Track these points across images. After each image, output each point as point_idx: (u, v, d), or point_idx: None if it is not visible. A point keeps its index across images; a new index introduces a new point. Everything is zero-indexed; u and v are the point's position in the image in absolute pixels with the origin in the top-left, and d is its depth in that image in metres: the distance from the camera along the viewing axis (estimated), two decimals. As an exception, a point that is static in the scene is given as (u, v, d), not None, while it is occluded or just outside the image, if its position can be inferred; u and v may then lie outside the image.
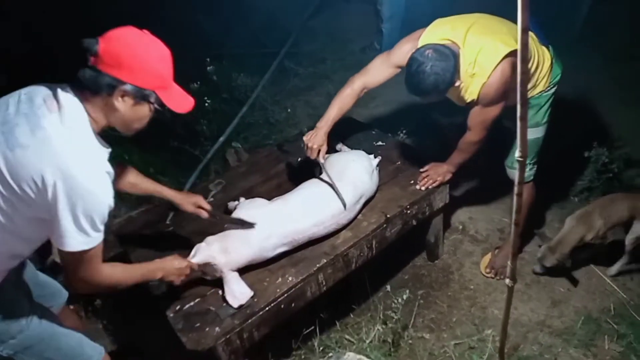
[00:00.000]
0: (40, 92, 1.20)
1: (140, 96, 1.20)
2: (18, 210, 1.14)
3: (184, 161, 3.01)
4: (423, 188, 2.02)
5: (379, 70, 1.98)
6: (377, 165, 1.99)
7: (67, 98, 1.17)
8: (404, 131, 2.89)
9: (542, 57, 1.89)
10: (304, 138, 1.96)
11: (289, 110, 3.56)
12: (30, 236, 1.23)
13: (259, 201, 1.81)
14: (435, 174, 2.04)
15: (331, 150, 2.25)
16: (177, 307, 1.62)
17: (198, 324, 1.56)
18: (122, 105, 1.19)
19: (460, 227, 2.52)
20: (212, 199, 2.11)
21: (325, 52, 4.21)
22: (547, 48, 1.94)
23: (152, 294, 1.66)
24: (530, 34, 1.90)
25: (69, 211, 1.11)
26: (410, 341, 1.98)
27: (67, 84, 1.20)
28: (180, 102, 1.26)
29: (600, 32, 3.69)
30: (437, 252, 2.33)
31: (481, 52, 1.75)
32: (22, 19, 3.48)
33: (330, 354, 1.72)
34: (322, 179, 1.87)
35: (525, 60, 1.07)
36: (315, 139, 1.93)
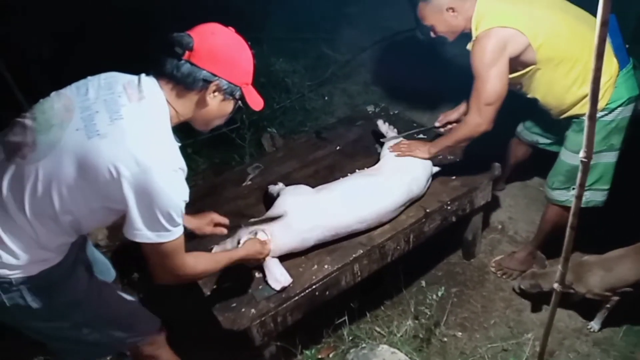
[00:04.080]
0: (120, 79, 1.19)
1: (230, 92, 1.22)
2: (86, 197, 1.11)
3: (219, 142, 3.03)
4: (395, 154, 1.91)
5: None
6: (432, 174, 1.94)
7: (151, 89, 1.16)
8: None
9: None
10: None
11: (325, 97, 3.53)
12: (90, 225, 1.22)
13: (304, 188, 1.80)
14: (409, 149, 1.91)
15: (371, 124, 2.19)
16: (215, 286, 1.64)
17: (234, 304, 1.58)
18: (213, 100, 1.21)
19: (500, 226, 2.45)
20: (249, 182, 2.13)
21: (365, 39, 4.13)
22: (617, 61, 1.72)
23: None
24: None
25: (140, 205, 1.09)
26: (442, 339, 1.95)
27: (151, 73, 1.19)
28: (256, 100, 1.29)
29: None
30: (474, 250, 2.28)
31: (492, 10, 1.68)
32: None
33: (364, 345, 1.72)
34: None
35: (601, 56, 0.99)
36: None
